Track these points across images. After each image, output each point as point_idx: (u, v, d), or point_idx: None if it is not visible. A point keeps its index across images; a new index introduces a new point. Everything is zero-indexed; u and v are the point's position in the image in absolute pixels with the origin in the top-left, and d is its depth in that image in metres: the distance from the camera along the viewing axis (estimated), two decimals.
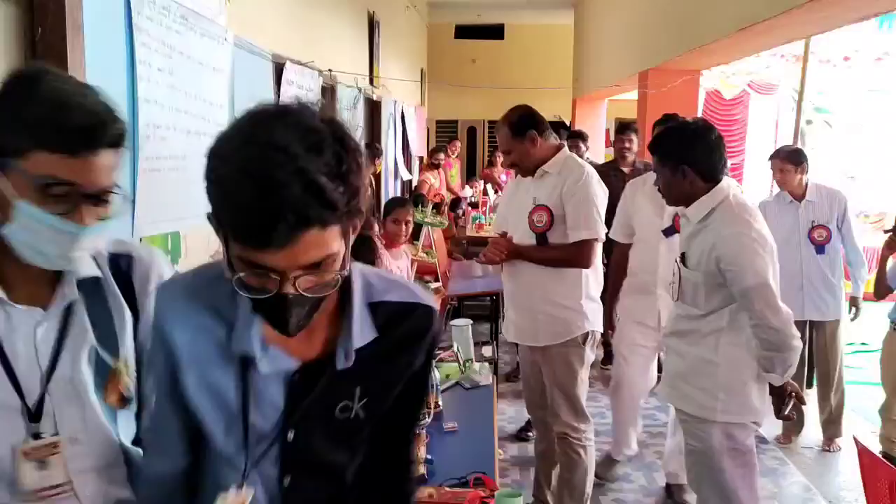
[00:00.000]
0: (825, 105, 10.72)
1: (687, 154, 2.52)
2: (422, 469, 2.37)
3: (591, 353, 3.37)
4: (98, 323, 1.27)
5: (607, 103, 12.13)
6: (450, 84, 11.53)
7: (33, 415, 1.22)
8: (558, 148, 3.32)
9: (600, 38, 10.39)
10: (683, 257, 2.60)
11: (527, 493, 3.59)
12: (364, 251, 3.01)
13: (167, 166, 2.18)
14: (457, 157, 10.56)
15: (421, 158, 11.03)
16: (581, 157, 4.92)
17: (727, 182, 2.63)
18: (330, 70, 4.40)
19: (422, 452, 2.46)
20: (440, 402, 2.97)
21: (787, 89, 9.71)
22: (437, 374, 2.97)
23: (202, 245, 2.50)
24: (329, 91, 4.63)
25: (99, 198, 1.16)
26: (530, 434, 4.29)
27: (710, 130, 2.60)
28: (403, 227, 4.03)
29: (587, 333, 3.28)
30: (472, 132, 15.23)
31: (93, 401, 1.25)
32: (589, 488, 3.41)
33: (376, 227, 3.72)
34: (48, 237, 1.14)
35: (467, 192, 9.75)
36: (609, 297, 3.87)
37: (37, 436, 1.21)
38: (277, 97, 3.40)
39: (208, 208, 0.98)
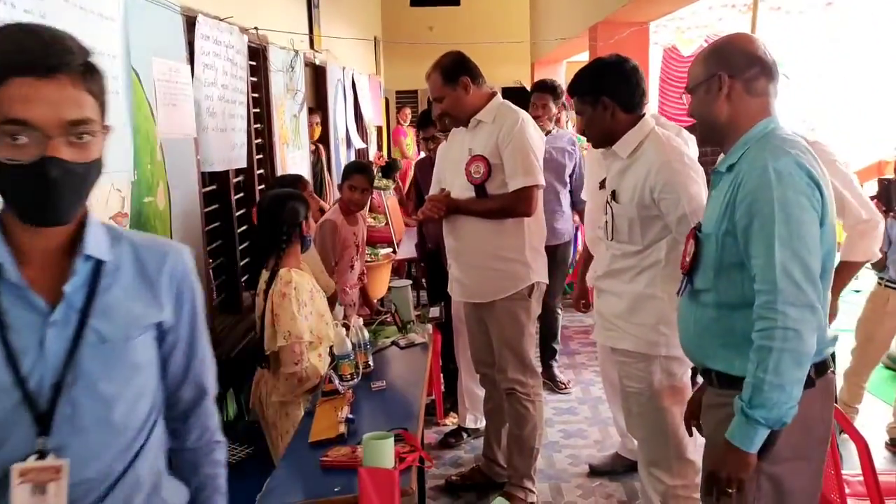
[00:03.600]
0: (781, 57, 10.64)
1: (603, 84, 2.50)
2: (342, 429, 2.28)
3: (537, 306, 3.28)
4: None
5: (566, 66, 12.02)
6: (406, 52, 11.32)
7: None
8: (491, 96, 3.21)
9: None
10: (614, 194, 2.54)
11: None
12: (293, 207, 2.87)
13: None
14: (410, 124, 10.38)
15: (379, 128, 10.84)
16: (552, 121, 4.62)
17: (650, 117, 2.60)
18: (256, 28, 4.21)
19: (344, 412, 2.36)
20: (371, 362, 2.86)
21: None
22: (365, 334, 2.86)
23: (97, 206, 2.34)
24: (260, 52, 4.44)
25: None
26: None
27: (625, 61, 2.57)
28: (360, 194, 3.84)
29: (532, 285, 3.20)
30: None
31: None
32: (538, 443, 3.35)
33: (310, 187, 3.59)
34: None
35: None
36: (579, 265, 3.64)
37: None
38: (191, 54, 3.22)
39: None
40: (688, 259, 1.96)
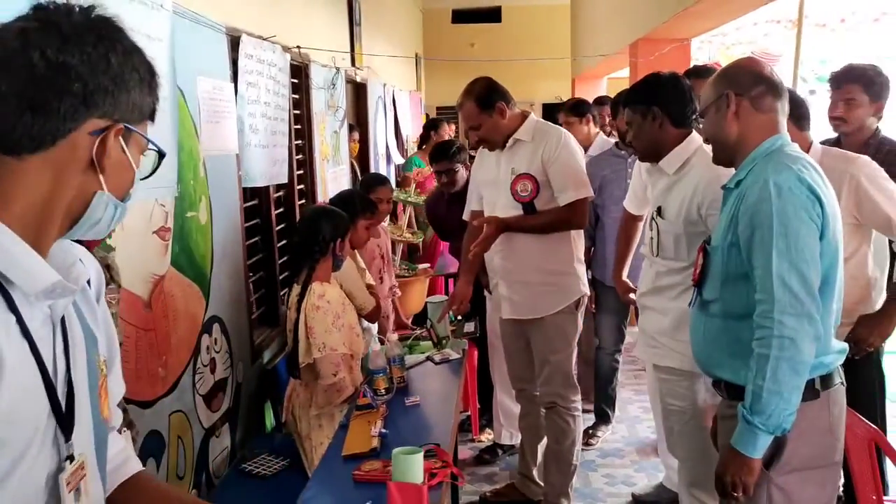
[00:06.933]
0: (828, 74, 10.46)
1: (655, 96, 2.55)
2: (375, 443, 2.30)
3: (581, 320, 3.30)
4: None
5: (606, 82, 11.97)
6: (447, 68, 11.42)
7: (67, 431, 0.96)
8: (524, 115, 3.24)
9: (594, 12, 10.24)
10: (660, 211, 2.55)
11: None
12: (333, 223, 2.93)
13: None
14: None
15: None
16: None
17: (697, 135, 2.59)
18: (299, 47, 4.29)
19: (377, 426, 2.38)
20: (405, 377, 2.89)
21: (790, 59, 9.50)
22: (400, 349, 2.89)
23: (142, 220, 2.41)
24: (301, 70, 4.52)
25: None
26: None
27: (680, 79, 2.61)
28: (385, 205, 3.96)
29: (580, 298, 3.23)
30: None
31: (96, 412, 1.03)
32: (577, 459, 3.33)
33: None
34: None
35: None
36: (617, 265, 3.41)
37: (70, 458, 0.96)
38: (234, 72, 3.30)
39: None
40: (697, 271, 2.06)
